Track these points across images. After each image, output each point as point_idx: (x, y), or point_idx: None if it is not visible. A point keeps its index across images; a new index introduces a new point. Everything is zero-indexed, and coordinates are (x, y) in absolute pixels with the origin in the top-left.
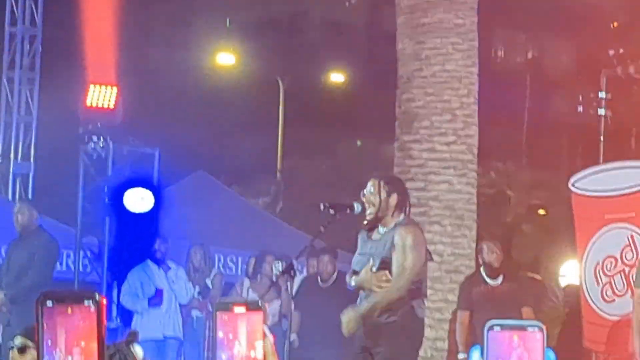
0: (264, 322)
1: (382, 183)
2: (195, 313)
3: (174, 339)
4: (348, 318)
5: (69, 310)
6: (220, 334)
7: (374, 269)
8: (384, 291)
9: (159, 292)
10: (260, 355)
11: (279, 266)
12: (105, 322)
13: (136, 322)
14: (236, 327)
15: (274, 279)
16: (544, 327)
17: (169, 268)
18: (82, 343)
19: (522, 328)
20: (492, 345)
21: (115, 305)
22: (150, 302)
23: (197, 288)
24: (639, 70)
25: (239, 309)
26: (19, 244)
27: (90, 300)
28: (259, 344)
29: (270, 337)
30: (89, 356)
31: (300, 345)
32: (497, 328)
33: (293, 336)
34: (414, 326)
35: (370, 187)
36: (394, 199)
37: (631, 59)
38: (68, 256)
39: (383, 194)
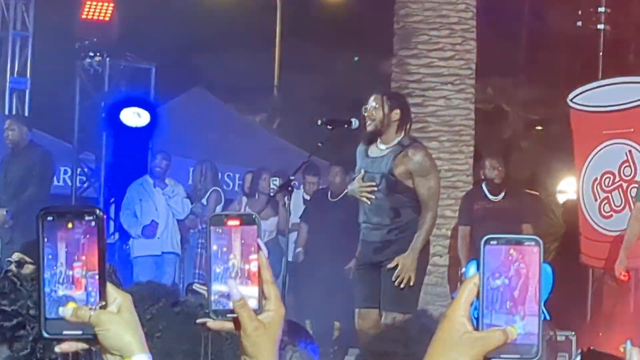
0: (258, 235)
1: (384, 98)
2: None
3: (172, 254)
4: (409, 264)
5: (70, 225)
6: (214, 248)
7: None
8: (424, 222)
9: (153, 224)
10: (254, 268)
11: (275, 182)
12: (105, 237)
13: (134, 240)
14: (230, 241)
15: (271, 195)
16: (541, 241)
17: (166, 185)
18: (83, 258)
19: (519, 242)
20: (488, 259)
21: (113, 222)
22: (144, 232)
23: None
24: None
25: (233, 222)
26: (13, 160)
27: (92, 216)
28: (253, 257)
29: (265, 251)
30: (89, 271)
31: (305, 260)
32: (493, 242)
33: (299, 250)
34: (425, 256)
35: (372, 101)
36: (396, 114)
37: None
38: (65, 172)
39: (386, 109)
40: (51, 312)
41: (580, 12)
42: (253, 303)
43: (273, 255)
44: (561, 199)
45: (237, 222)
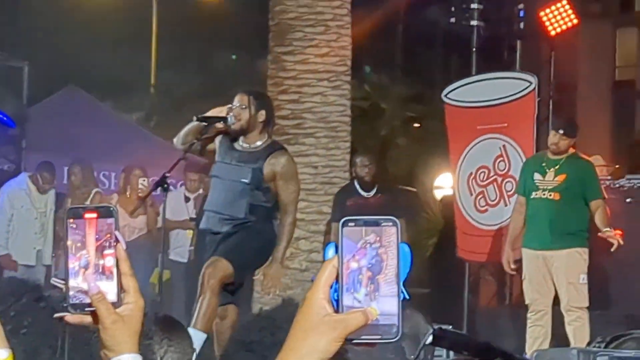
0: (116, 227)
1: (251, 98)
2: None
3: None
4: (274, 274)
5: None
6: (69, 242)
7: (247, 180)
8: (285, 229)
9: None
10: (111, 261)
11: (144, 181)
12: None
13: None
14: (87, 233)
15: (140, 194)
16: (398, 222)
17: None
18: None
19: (376, 223)
20: (346, 241)
21: None
22: None
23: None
24: None
25: (90, 215)
26: None
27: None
28: (110, 251)
29: (123, 243)
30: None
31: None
32: (351, 224)
33: (191, 248)
34: (270, 236)
35: (238, 101)
36: (262, 115)
37: None
38: None
39: (252, 110)
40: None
41: (453, 9)
42: (112, 296)
43: (143, 254)
44: (439, 194)
45: (94, 215)
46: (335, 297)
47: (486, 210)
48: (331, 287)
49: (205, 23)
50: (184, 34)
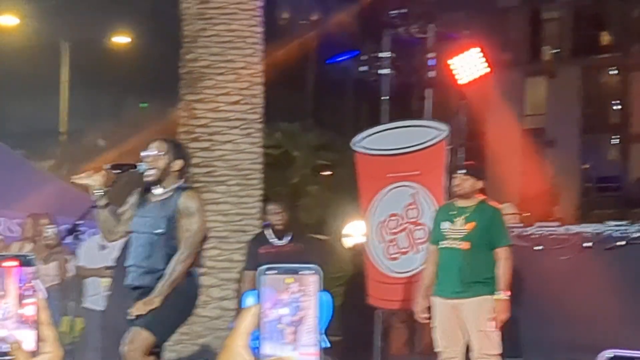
0: (36, 277)
1: (167, 146)
2: None
3: None
4: (140, 305)
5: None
6: None
7: (162, 230)
8: (170, 265)
9: None
10: (31, 311)
11: (52, 229)
12: None
13: None
14: (6, 282)
15: (49, 241)
16: (319, 270)
17: None
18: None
19: (296, 271)
20: (266, 289)
21: None
22: None
23: None
24: (422, 31)
25: (10, 264)
26: None
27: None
28: (29, 301)
29: (43, 292)
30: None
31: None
32: (271, 272)
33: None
34: (191, 296)
35: (154, 148)
36: (178, 164)
37: (414, 19)
38: None
39: (170, 157)
40: None
41: (364, 57)
42: (30, 346)
43: (54, 302)
44: (349, 242)
45: (14, 263)
46: (256, 345)
47: (397, 258)
48: (251, 335)
49: (117, 70)
50: (95, 81)
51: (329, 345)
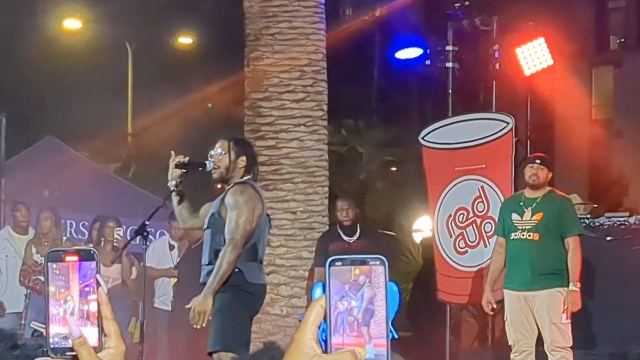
0: (97, 271)
1: (231, 144)
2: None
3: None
4: (199, 307)
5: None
6: (51, 288)
7: (205, 227)
8: (218, 261)
9: None
10: (93, 306)
11: (120, 231)
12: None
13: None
14: (68, 278)
15: (115, 243)
16: (386, 260)
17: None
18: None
19: (364, 262)
20: (334, 281)
21: None
22: None
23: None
24: (486, 23)
25: (71, 258)
26: None
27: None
28: (92, 297)
29: (104, 287)
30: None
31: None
32: (338, 263)
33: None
34: (246, 293)
35: (218, 147)
36: (242, 161)
37: (477, 11)
38: None
39: (232, 155)
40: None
41: (428, 51)
42: (93, 340)
43: (120, 301)
44: (418, 237)
45: (75, 258)
46: (324, 338)
47: (466, 252)
48: (319, 327)
49: (181, 71)
50: (160, 83)
51: (397, 336)
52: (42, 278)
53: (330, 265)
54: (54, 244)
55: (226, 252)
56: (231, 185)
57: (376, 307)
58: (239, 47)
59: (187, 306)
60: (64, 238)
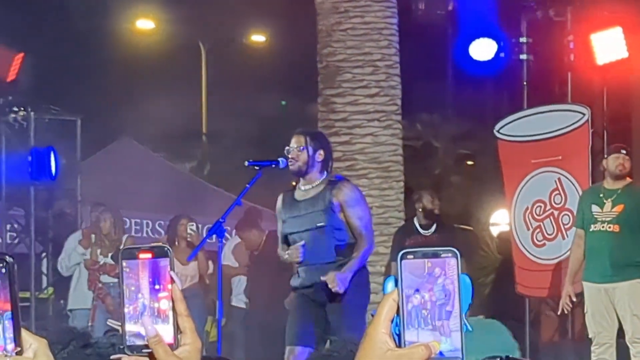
0: (171, 268)
1: (308, 138)
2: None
3: None
4: (341, 279)
5: None
6: (124, 286)
7: (323, 223)
8: (358, 252)
9: None
10: (167, 303)
11: (192, 226)
12: (16, 283)
13: (71, 293)
14: (141, 276)
15: (188, 240)
16: (458, 252)
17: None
18: None
19: (436, 255)
20: (406, 274)
21: (45, 277)
22: None
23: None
24: (559, 14)
25: (145, 255)
26: None
27: (1, 262)
28: (165, 294)
29: (179, 283)
30: (2, 317)
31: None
32: (409, 256)
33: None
34: (366, 279)
35: (295, 142)
36: (320, 155)
37: (551, 2)
38: None
39: (310, 150)
40: None
41: (502, 43)
42: (168, 338)
43: (196, 300)
44: (495, 231)
45: (149, 255)
46: (397, 332)
47: (544, 245)
48: (392, 321)
49: (254, 69)
50: (233, 81)
51: (471, 329)
52: (104, 280)
53: (402, 259)
54: (114, 245)
55: (364, 247)
56: (317, 183)
57: (449, 300)
58: (312, 43)
59: (323, 278)
60: (125, 237)
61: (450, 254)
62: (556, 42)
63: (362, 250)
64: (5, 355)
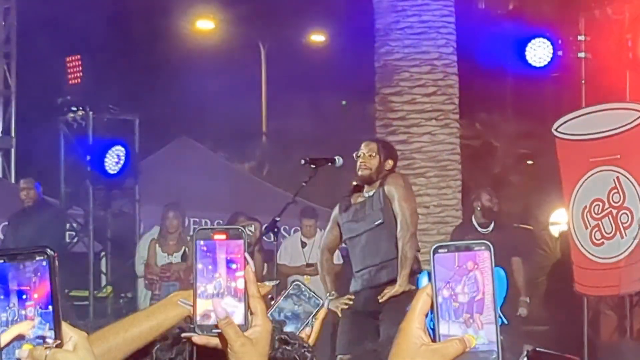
0: (245, 249)
1: (379, 146)
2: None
3: None
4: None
5: (21, 266)
6: (199, 265)
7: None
8: (402, 251)
9: None
10: (240, 284)
11: (251, 228)
12: (57, 276)
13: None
14: (215, 256)
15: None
16: (491, 245)
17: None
18: (35, 296)
19: (469, 248)
20: (439, 268)
21: (105, 276)
22: None
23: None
24: (617, 12)
25: (219, 237)
26: (23, 219)
27: (42, 255)
28: (239, 274)
29: (252, 265)
30: (43, 310)
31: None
32: (442, 250)
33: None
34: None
35: (366, 148)
36: (389, 164)
37: (609, 0)
38: None
39: (381, 158)
40: (9, 353)
41: (560, 41)
42: (239, 318)
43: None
44: (555, 231)
45: (223, 237)
46: (431, 326)
47: (602, 244)
48: (426, 315)
49: (314, 68)
50: (292, 81)
51: (506, 322)
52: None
53: (434, 253)
54: (180, 244)
55: (405, 241)
56: (376, 185)
57: (483, 293)
58: (369, 42)
59: (383, 299)
60: (188, 238)
61: (483, 247)
62: (614, 40)
63: (403, 253)
64: (46, 348)
